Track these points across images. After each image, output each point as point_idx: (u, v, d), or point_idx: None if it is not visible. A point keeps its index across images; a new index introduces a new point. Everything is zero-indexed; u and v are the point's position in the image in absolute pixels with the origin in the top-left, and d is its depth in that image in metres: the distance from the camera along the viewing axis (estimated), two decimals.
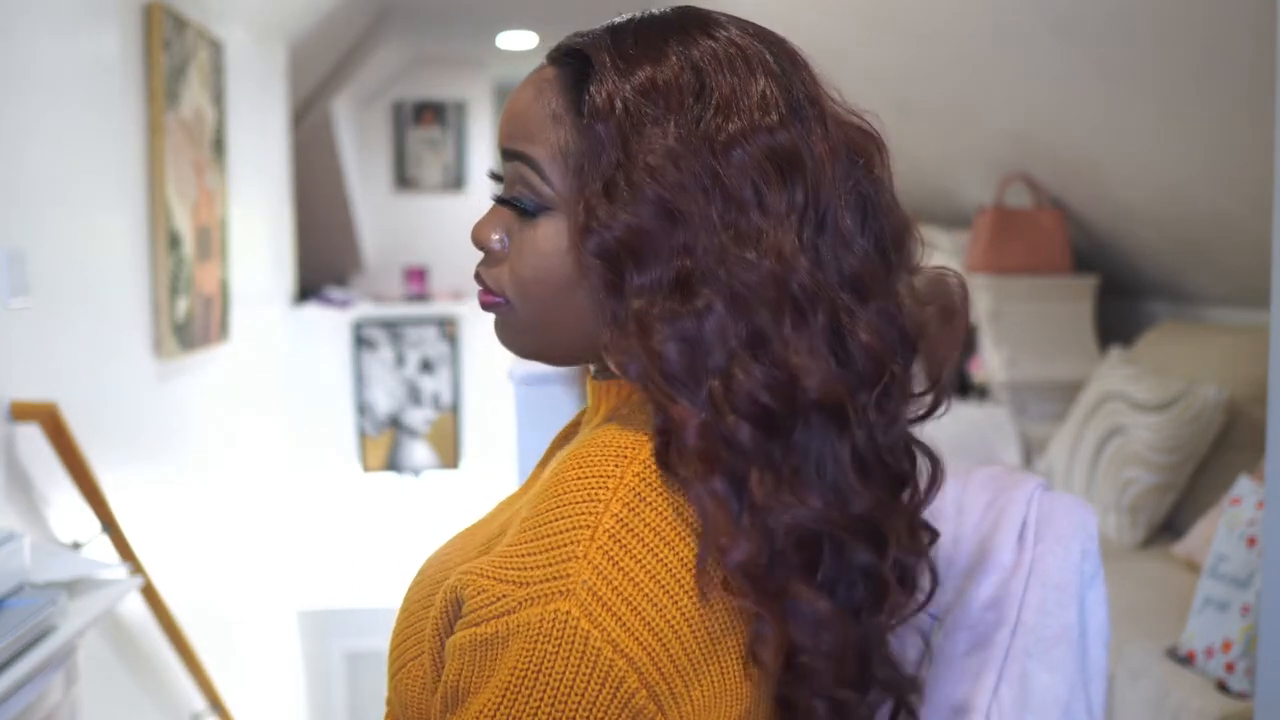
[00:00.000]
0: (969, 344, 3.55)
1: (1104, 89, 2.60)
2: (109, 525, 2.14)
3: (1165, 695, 1.78)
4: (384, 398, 4.90)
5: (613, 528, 0.59)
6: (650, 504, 0.60)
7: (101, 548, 2.15)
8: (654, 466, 0.61)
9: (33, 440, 1.97)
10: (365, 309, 4.95)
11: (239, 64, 3.39)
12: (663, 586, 0.58)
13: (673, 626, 0.58)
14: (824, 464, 0.62)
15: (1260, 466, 1.83)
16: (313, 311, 4.76)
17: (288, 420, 4.23)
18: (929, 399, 0.72)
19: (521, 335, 0.72)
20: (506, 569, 0.60)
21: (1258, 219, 1.75)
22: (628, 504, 0.60)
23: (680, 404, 0.61)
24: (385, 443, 4.92)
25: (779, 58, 0.68)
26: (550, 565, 0.58)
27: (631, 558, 0.58)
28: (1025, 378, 3.25)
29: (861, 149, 0.68)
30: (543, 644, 0.56)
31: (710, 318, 0.61)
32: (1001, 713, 0.74)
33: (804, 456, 0.62)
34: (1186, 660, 1.83)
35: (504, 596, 0.59)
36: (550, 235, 0.67)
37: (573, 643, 0.56)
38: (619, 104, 0.64)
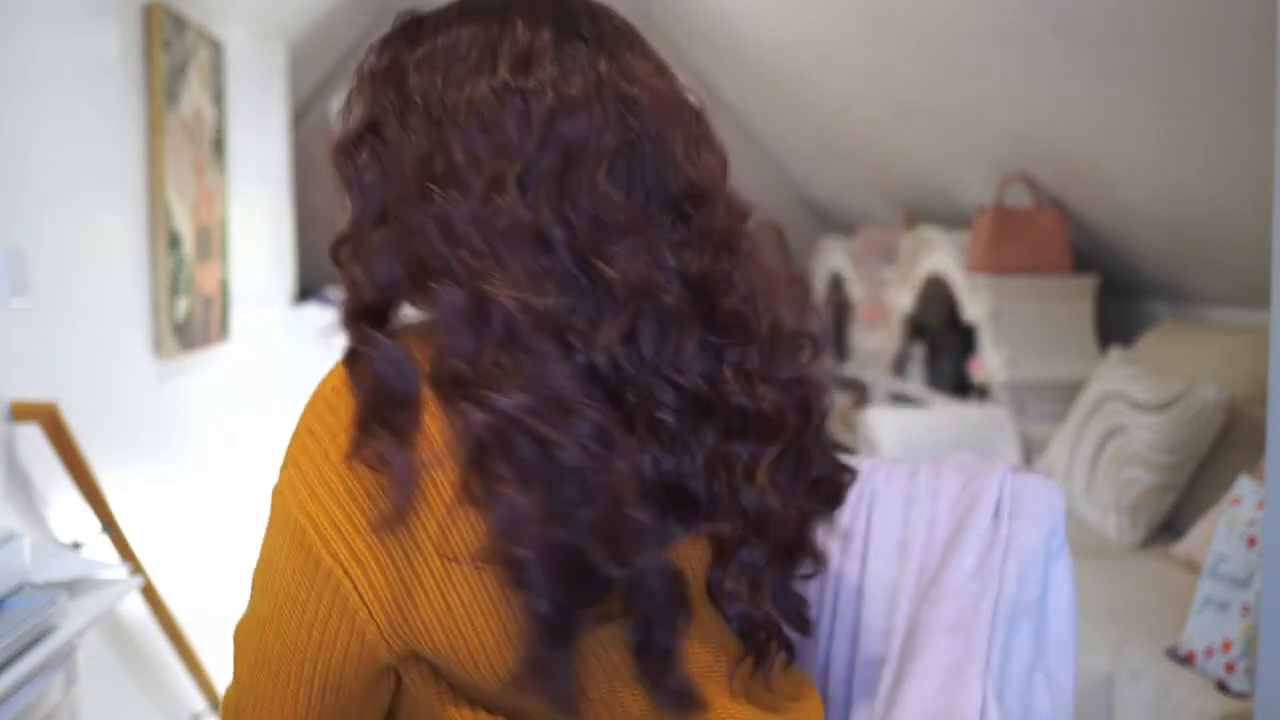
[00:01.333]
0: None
1: (1104, 89, 2.60)
2: (109, 525, 2.14)
3: (1165, 695, 1.78)
4: None
5: (307, 420, 0.74)
6: (330, 406, 0.73)
7: (101, 548, 2.15)
8: (345, 379, 0.73)
9: (33, 440, 1.97)
10: None
11: (239, 64, 3.39)
12: (319, 469, 0.71)
13: (336, 498, 0.70)
14: (541, 375, 0.68)
15: (1260, 466, 1.83)
16: (313, 311, 4.75)
17: (288, 420, 4.21)
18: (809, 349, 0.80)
19: None
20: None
21: (1258, 219, 1.75)
22: (314, 409, 0.74)
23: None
24: None
25: (573, 26, 0.75)
26: (287, 449, 0.74)
27: (315, 442, 0.72)
28: (1025, 378, 3.25)
29: (653, 112, 0.75)
30: (273, 501, 0.73)
31: (393, 242, 0.72)
32: (993, 679, 0.78)
33: (515, 365, 0.68)
34: (1186, 660, 1.84)
35: None
36: None
37: (277, 502, 0.73)
38: (376, 68, 0.77)
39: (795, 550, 0.80)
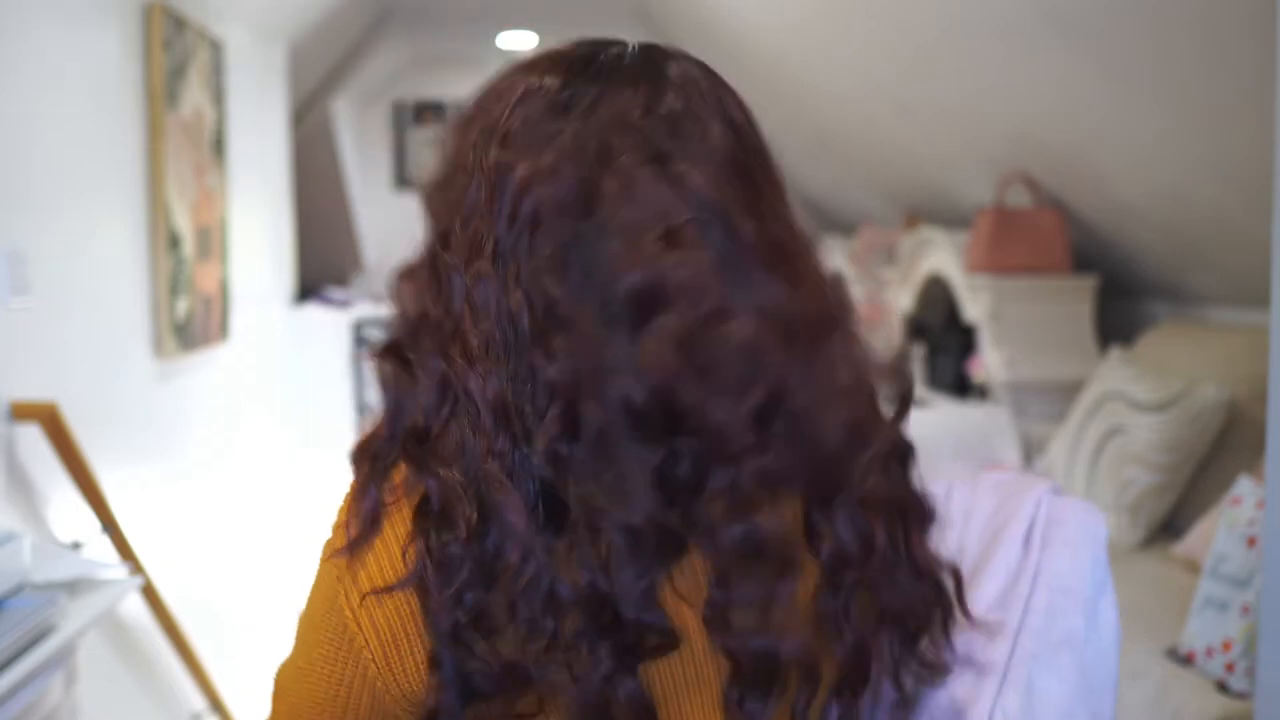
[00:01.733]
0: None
1: (1104, 89, 2.60)
2: (109, 525, 2.14)
3: (1165, 695, 1.78)
4: None
5: (346, 505, 0.73)
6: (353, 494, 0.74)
7: (101, 548, 2.15)
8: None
9: (33, 440, 1.97)
10: (365, 309, 4.94)
11: (239, 64, 3.39)
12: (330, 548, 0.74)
13: (375, 560, 0.70)
14: (476, 456, 0.67)
15: (1260, 466, 1.83)
16: (313, 311, 4.75)
17: (288, 420, 4.23)
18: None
19: None
20: None
21: (1257, 219, 1.75)
22: (349, 493, 0.73)
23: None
24: None
25: (577, 92, 0.71)
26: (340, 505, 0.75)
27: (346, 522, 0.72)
28: (1025, 378, 3.25)
29: (609, 203, 0.67)
30: (321, 556, 0.74)
31: (413, 287, 0.74)
32: (1007, 718, 0.74)
33: (458, 439, 0.68)
34: (1186, 660, 1.84)
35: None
36: None
37: (324, 557, 0.73)
38: (464, 112, 0.77)
39: (852, 686, 0.71)
